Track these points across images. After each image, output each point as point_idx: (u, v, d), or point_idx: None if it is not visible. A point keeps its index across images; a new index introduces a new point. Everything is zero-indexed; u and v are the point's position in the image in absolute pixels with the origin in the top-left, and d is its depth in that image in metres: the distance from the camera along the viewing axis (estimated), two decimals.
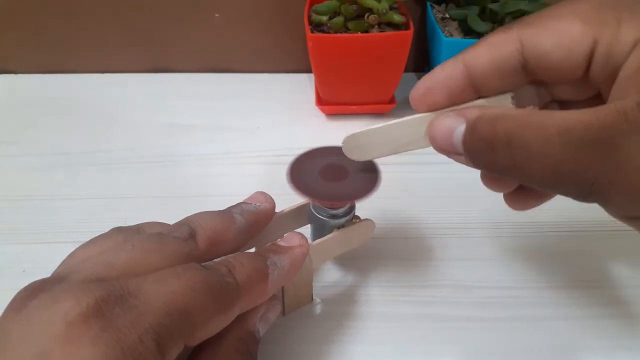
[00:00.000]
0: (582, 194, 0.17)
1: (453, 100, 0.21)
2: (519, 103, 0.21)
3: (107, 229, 0.23)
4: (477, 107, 0.20)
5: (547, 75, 0.20)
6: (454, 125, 0.20)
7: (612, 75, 0.18)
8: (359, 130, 0.23)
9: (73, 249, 0.22)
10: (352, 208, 0.27)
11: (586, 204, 0.18)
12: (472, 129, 0.19)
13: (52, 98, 0.48)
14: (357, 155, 0.24)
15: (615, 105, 0.16)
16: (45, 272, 0.20)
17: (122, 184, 0.38)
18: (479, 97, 0.21)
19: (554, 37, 0.18)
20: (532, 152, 0.17)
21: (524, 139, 0.17)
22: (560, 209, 0.35)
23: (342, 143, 0.24)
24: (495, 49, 0.19)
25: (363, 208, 0.27)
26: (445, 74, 0.20)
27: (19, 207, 0.36)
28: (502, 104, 0.20)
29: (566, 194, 0.18)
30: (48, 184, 0.38)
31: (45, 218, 0.35)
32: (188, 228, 0.22)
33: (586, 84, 0.19)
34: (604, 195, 0.17)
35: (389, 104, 0.44)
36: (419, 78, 0.51)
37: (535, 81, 0.20)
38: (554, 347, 0.27)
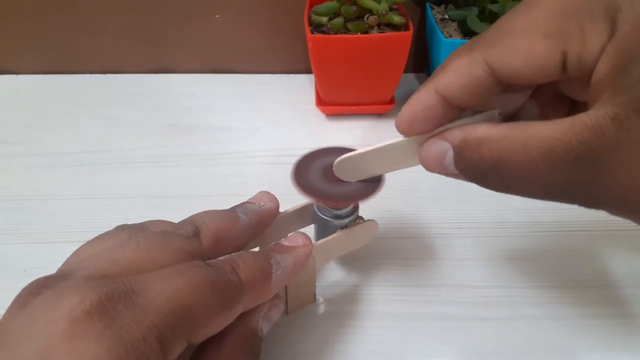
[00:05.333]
0: (582, 206, 0.18)
1: (439, 125, 0.21)
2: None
3: (107, 229, 0.23)
4: (458, 129, 0.20)
5: (524, 84, 0.20)
6: (442, 150, 0.20)
7: (588, 77, 0.18)
8: (349, 154, 0.24)
9: (74, 248, 0.22)
10: (356, 208, 0.27)
11: None
12: (459, 155, 0.19)
13: (52, 98, 0.48)
14: (350, 177, 0.25)
15: (590, 119, 0.16)
16: (47, 271, 0.20)
17: (122, 184, 0.38)
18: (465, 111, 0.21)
19: (520, 56, 0.18)
20: (521, 175, 0.18)
21: (509, 164, 0.18)
22: (560, 209, 0.35)
23: (334, 167, 0.24)
24: (464, 76, 0.19)
25: (365, 208, 0.27)
26: (423, 105, 0.20)
27: (19, 207, 0.36)
28: (490, 118, 0.20)
29: (569, 204, 0.18)
30: (48, 184, 0.38)
31: (46, 218, 0.35)
32: (192, 226, 0.22)
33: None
34: (602, 207, 0.17)
35: (389, 105, 0.45)
36: (419, 79, 0.52)
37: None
38: (554, 346, 0.27)
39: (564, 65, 0.18)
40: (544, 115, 0.22)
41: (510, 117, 0.22)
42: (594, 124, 0.16)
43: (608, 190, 0.16)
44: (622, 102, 0.16)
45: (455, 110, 0.20)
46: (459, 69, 0.19)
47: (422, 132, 0.21)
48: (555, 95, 0.22)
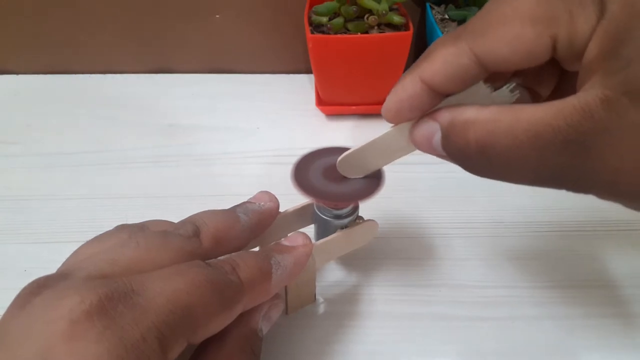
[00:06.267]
0: (570, 190, 0.17)
1: (424, 112, 0.20)
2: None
3: (107, 229, 0.23)
4: (448, 110, 0.19)
5: (512, 70, 0.19)
6: (431, 131, 0.20)
7: (579, 58, 0.17)
8: (348, 152, 0.24)
9: (74, 248, 0.22)
10: (356, 208, 0.27)
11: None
12: (446, 138, 0.19)
13: (52, 98, 0.48)
14: (354, 174, 0.25)
15: (579, 102, 0.16)
16: (46, 272, 0.20)
17: (122, 184, 0.38)
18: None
19: (508, 45, 0.17)
20: (508, 159, 0.17)
21: (496, 148, 0.17)
22: (560, 209, 0.35)
23: (337, 166, 0.25)
24: (450, 66, 0.19)
25: (365, 208, 0.27)
26: (408, 93, 0.20)
27: (19, 207, 0.36)
28: (479, 92, 0.20)
29: (557, 189, 0.18)
30: (48, 184, 0.38)
31: (46, 218, 0.35)
32: (192, 226, 0.22)
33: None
34: (590, 192, 0.17)
35: None
36: None
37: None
38: (554, 346, 0.27)
39: (554, 49, 0.17)
40: (529, 86, 0.22)
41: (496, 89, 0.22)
42: (583, 106, 0.16)
43: (597, 174, 0.16)
44: (612, 84, 0.15)
45: (440, 97, 0.20)
46: (445, 58, 0.19)
47: (408, 119, 0.21)
48: (543, 66, 0.22)
